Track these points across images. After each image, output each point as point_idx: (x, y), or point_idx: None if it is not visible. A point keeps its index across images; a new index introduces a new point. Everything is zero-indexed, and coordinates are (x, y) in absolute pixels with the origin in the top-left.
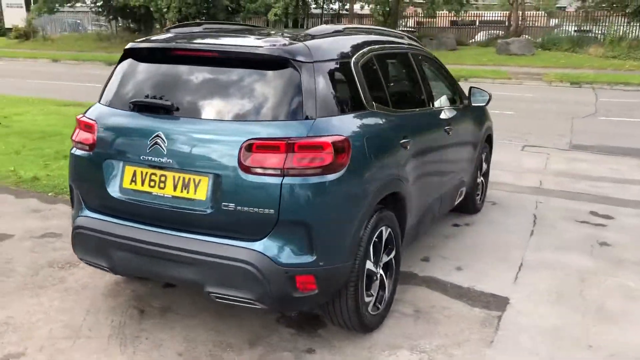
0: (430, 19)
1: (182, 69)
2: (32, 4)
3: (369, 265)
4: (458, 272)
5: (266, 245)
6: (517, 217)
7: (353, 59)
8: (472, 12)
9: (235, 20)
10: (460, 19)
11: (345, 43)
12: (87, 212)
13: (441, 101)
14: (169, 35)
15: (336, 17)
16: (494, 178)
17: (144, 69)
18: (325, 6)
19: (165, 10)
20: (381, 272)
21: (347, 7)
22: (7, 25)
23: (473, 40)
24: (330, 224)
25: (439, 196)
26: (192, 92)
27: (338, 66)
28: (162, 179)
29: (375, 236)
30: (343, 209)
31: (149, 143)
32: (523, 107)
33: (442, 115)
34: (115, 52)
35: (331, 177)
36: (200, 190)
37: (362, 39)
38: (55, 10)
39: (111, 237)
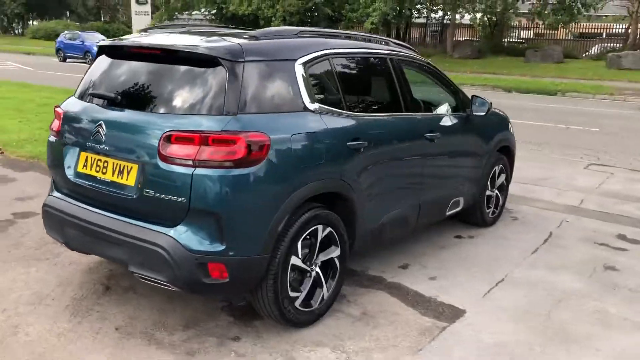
0: (551, 30)
1: (133, 65)
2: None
3: (295, 261)
4: (429, 281)
5: (179, 232)
6: (531, 234)
7: (298, 61)
8: (595, 24)
9: (336, 28)
10: (571, 30)
11: (291, 46)
12: (54, 193)
13: (432, 109)
14: (136, 34)
15: (439, 27)
16: (531, 193)
17: (107, 65)
18: (429, 15)
19: (271, 18)
20: (317, 270)
21: (449, 16)
22: (134, 31)
23: (586, 53)
24: (241, 216)
25: (417, 204)
26: (135, 86)
27: (275, 67)
28: (105, 164)
29: (306, 233)
30: (256, 203)
31: (93, 131)
32: (611, 125)
33: (425, 122)
34: None
35: (243, 171)
36: (131, 177)
37: (316, 42)
38: (174, 17)
39: (65, 215)
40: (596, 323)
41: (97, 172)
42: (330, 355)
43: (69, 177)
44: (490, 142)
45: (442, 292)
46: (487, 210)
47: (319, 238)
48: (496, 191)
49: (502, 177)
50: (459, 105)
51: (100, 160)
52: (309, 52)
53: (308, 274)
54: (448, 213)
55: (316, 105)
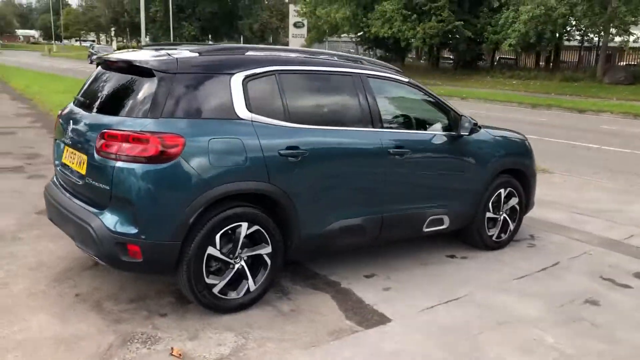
0: None
1: (105, 74)
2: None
3: (213, 251)
4: (380, 292)
5: (104, 215)
6: (532, 262)
7: (235, 75)
8: None
9: (477, 50)
10: None
11: (231, 61)
12: (53, 179)
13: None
14: (124, 51)
15: (594, 50)
16: (577, 224)
17: (94, 75)
18: (583, 38)
19: (412, 40)
20: (242, 263)
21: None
22: None
23: None
24: (152, 205)
25: (378, 217)
26: (99, 92)
27: (209, 79)
28: (74, 156)
29: (226, 228)
30: (166, 195)
31: (69, 129)
32: None
33: (390, 138)
34: None
35: (156, 166)
36: (83, 167)
37: (264, 60)
38: (323, 39)
39: (51, 197)
40: (519, 351)
41: (71, 162)
42: (230, 339)
43: (57, 166)
44: (488, 163)
45: (384, 302)
46: (490, 233)
47: (243, 234)
48: (504, 215)
49: (513, 201)
50: (451, 125)
51: (73, 152)
52: (250, 68)
53: (231, 266)
54: (427, 230)
55: (250, 115)
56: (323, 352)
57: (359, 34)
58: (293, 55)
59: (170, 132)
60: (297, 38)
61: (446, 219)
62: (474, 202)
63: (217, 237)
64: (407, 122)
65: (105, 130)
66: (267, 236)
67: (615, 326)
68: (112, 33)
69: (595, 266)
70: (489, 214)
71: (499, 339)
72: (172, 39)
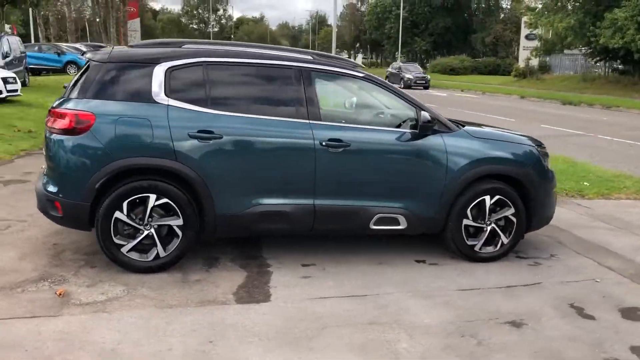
0: None
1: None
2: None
3: (120, 215)
4: (297, 278)
5: (44, 176)
6: (506, 278)
7: (160, 65)
8: None
9: None
10: None
11: (159, 54)
12: None
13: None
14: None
15: None
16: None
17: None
18: None
19: None
20: (152, 231)
21: None
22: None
23: None
24: (66, 169)
25: (310, 207)
26: (74, 81)
27: (135, 69)
28: None
29: (133, 197)
30: (77, 162)
31: None
32: None
33: (324, 130)
34: (588, 93)
35: (70, 137)
36: None
37: (194, 52)
38: (554, 51)
39: None
40: (357, 348)
41: None
42: (115, 291)
43: None
44: (458, 165)
45: (286, 287)
46: (470, 243)
47: (151, 204)
48: (492, 225)
49: (506, 211)
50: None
51: None
52: (178, 59)
53: (140, 231)
54: (376, 227)
55: (166, 100)
56: (171, 313)
57: (585, 46)
58: (227, 48)
59: (83, 110)
60: (526, 50)
61: (402, 220)
62: (437, 206)
63: (125, 204)
64: (354, 117)
65: (50, 109)
66: (177, 209)
67: (501, 354)
68: (356, 50)
69: (581, 293)
70: (467, 222)
71: (342, 336)
72: (399, 53)
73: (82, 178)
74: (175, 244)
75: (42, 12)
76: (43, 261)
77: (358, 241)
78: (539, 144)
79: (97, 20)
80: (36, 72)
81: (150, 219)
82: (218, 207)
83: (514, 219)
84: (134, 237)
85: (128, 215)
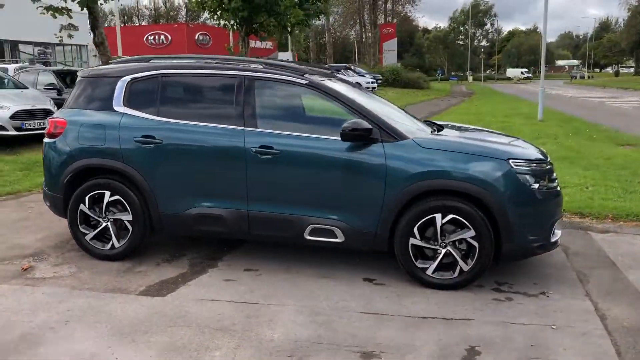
0: None
1: None
2: None
3: (83, 208)
4: (220, 281)
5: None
6: (445, 308)
7: (123, 78)
8: None
9: None
10: None
11: (125, 68)
12: None
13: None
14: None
15: None
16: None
17: None
18: None
19: None
20: (108, 224)
21: None
22: None
23: None
24: (48, 167)
25: (244, 212)
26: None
27: (104, 82)
28: None
29: (92, 193)
30: (55, 160)
31: None
32: None
33: (256, 137)
34: None
35: (51, 140)
36: None
37: (155, 66)
38: None
39: None
40: (166, 345)
41: None
42: (69, 269)
43: None
44: (399, 179)
45: (201, 287)
46: (421, 266)
47: (105, 200)
48: (448, 248)
49: (464, 234)
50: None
51: None
52: (139, 72)
53: (100, 223)
54: (310, 238)
55: (123, 109)
56: (73, 295)
57: None
58: (184, 62)
59: (60, 117)
60: None
61: (339, 232)
62: (378, 221)
63: (87, 198)
64: (289, 124)
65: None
66: (127, 206)
67: None
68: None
69: (503, 338)
70: (414, 241)
71: (177, 336)
72: None
73: (57, 174)
74: (126, 237)
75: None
76: (50, 242)
77: (334, 253)
78: (533, 160)
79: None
80: None
81: (107, 213)
82: (161, 206)
83: (475, 244)
84: (95, 228)
85: (90, 208)
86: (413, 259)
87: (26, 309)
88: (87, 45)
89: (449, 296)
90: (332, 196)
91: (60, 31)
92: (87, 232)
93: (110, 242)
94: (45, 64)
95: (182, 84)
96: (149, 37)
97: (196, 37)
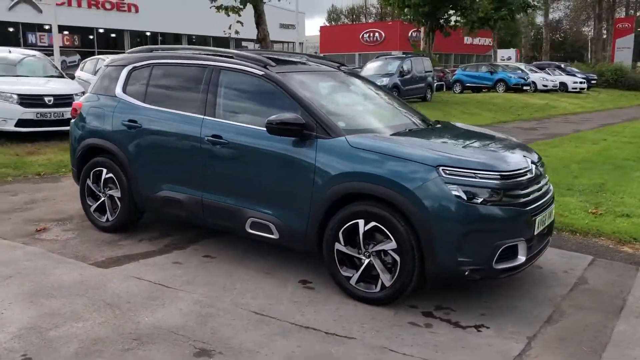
0: None
1: None
2: None
3: (89, 182)
4: (170, 263)
5: None
6: (331, 323)
7: (126, 67)
8: None
9: None
10: None
11: (131, 57)
12: None
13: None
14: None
15: None
16: None
17: None
18: None
19: None
20: (106, 199)
21: None
22: None
23: None
24: (70, 142)
25: (199, 199)
26: None
27: (115, 70)
28: None
29: (94, 170)
30: (71, 138)
31: None
32: None
33: (209, 126)
34: None
35: (73, 120)
36: None
37: (152, 56)
38: None
39: None
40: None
41: None
42: (70, 235)
43: None
44: (323, 179)
45: (135, 262)
46: (345, 274)
47: (103, 177)
48: (371, 259)
49: (386, 245)
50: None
51: None
52: (139, 62)
53: (100, 197)
54: (251, 231)
55: (121, 95)
56: (43, 256)
57: None
58: (178, 53)
59: (79, 100)
60: None
61: (274, 229)
62: (307, 221)
63: (91, 173)
64: (242, 115)
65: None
66: (117, 183)
67: None
68: None
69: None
70: (339, 246)
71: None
72: None
73: (73, 150)
74: (116, 212)
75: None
76: (83, 212)
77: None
78: (481, 170)
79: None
80: (475, 89)
81: (105, 189)
82: (141, 187)
83: (397, 257)
84: (97, 201)
85: (94, 183)
86: (338, 266)
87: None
88: (302, 43)
89: (366, 311)
90: (269, 190)
91: (229, 27)
92: (92, 204)
93: (106, 216)
94: None
95: (166, 73)
96: (364, 35)
97: (409, 34)
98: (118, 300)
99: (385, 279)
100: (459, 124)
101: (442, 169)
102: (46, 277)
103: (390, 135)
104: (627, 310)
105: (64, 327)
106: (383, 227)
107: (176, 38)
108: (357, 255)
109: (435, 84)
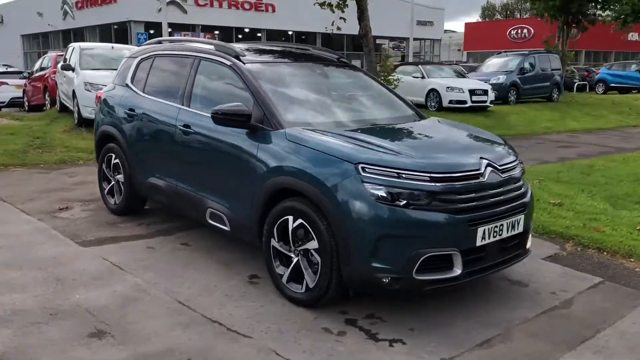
0: None
1: None
2: None
3: (104, 167)
4: (144, 248)
5: None
6: (240, 319)
7: (137, 58)
8: None
9: None
10: None
11: (142, 49)
12: None
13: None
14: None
15: None
16: None
17: None
18: None
19: None
20: (114, 183)
21: None
22: None
23: None
24: (94, 128)
25: (174, 185)
26: None
27: (131, 61)
28: None
29: (106, 155)
30: (95, 123)
31: None
32: None
33: (183, 115)
34: None
35: (98, 106)
36: None
37: (157, 48)
38: None
39: None
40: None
41: None
42: (86, 214)
43: None
44: (260, 172)
45: (117, 244)
46: (279, 272)
47: (112, 162)
48: (300, 257)
49: (309, 244)
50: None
51: None
52: (146, 53)
53: (110, 181)
54: (210, 222)
55: (130, 84)
56: (46, 232)
57: None
58: (176, 44)
59: (101, 91)
60: None
61: (226, 220)
62: (249, 214)
63: (105, 159)
64: (210, 105)
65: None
66: (122, 169)
67: None
68: None
69: None
70: (274, 243)
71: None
72: None
73: (94, 135)
74: (121, 196)
75: None
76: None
77: None
78: (408, 171)
79: None
80: (623, 90)
81: (114, 173)
82: (138, 173)
83: (318, 258)
84: (109, 184)
85: (106, 168)
86: (273, 262)
87: (4, 234)
88: (440, 40)
89: (288, 311)
90: (221, 181)
91: (332, 24)
92: (105, 187)
93: (114, 198)
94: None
95: (162, 64)
96: (512, 31)
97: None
98: (68, 277)
99: (309, 280)
100: (446, 122)
101: (362, 167)
102: (28, 251)
103: (347, 130)
104: (590, 343)
105: (1, 297)
106: (307, 226)
107: (311, 37)
108: (288, 253)
109: (576, 83)
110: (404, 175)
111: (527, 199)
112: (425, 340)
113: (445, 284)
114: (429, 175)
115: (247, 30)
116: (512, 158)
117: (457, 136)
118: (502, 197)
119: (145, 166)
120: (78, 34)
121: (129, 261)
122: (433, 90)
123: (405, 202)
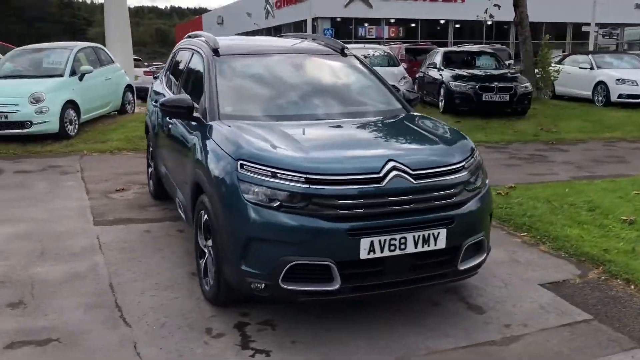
0: None
1: None
2: None
3: (147, 155)
4: (142, 231)
5: None
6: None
7: (174, 51)
8: None
9: None
10: None
11: (182, 42)
12: None
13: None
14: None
15: None
16: None
17: None
18: None
19: None
20: (152, 168)
21: None
22: None
23: None
24: None
25: (165, 173)
26: None
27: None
28: None
29: (148, 143)
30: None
31: None
32: None
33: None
34: None
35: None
36: None
37: (184, 40)
38: None
39: None
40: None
41: None
42: (129, 196)
43: None
44: (192, 167)
45: (115, 225)
46: (202, 266)
47: (149, 150)
48: (208, 253)
49: (209, 241)
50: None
51: None
52: (179, 46)
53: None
54: (179, 211)
55: (163, 76)
56: (80, 210)
57: None
58: (186, 40)
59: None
60: None
61: (181, 210)
62: (190, 208)
63: (148, 147)
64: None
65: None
66: (152, 158)
67: None
68: None
69: None
70: (200, 238)
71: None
72: None
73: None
74: (153, 182)
75: None
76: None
77: None
78: (280, 167)
79: None
80: None
81: (151, 161)
82: (159, 162)
83: (212, 256)
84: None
85: (148, 156)
86: (198, 257)
87: (51, 208)
88: None
89: (192, 307)
90: (180, 172)
91: (485, 12)
92: (148, 172)
93: (151, 182)
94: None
95: (178, 57)
96: None
97: None
98: (53, 250)
99: (210, 277)
100: (420, 120)
101: (241, 163)
102: (52, 225)
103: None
104: None
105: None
106: (210, 226)
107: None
108: (203, 248)
109: None
110: (279, 175)
111: (460, 210)
112: (294, 356)
113: (320, 297)
114: (304, 176)
115: (442, 21)
116: (445, 162)
117: (385, 136)
118: (408, 206)
119: (159, 154)
120: (277, 32)
121: (113, 242)
122: (601, 82)
123: (278, 203)
